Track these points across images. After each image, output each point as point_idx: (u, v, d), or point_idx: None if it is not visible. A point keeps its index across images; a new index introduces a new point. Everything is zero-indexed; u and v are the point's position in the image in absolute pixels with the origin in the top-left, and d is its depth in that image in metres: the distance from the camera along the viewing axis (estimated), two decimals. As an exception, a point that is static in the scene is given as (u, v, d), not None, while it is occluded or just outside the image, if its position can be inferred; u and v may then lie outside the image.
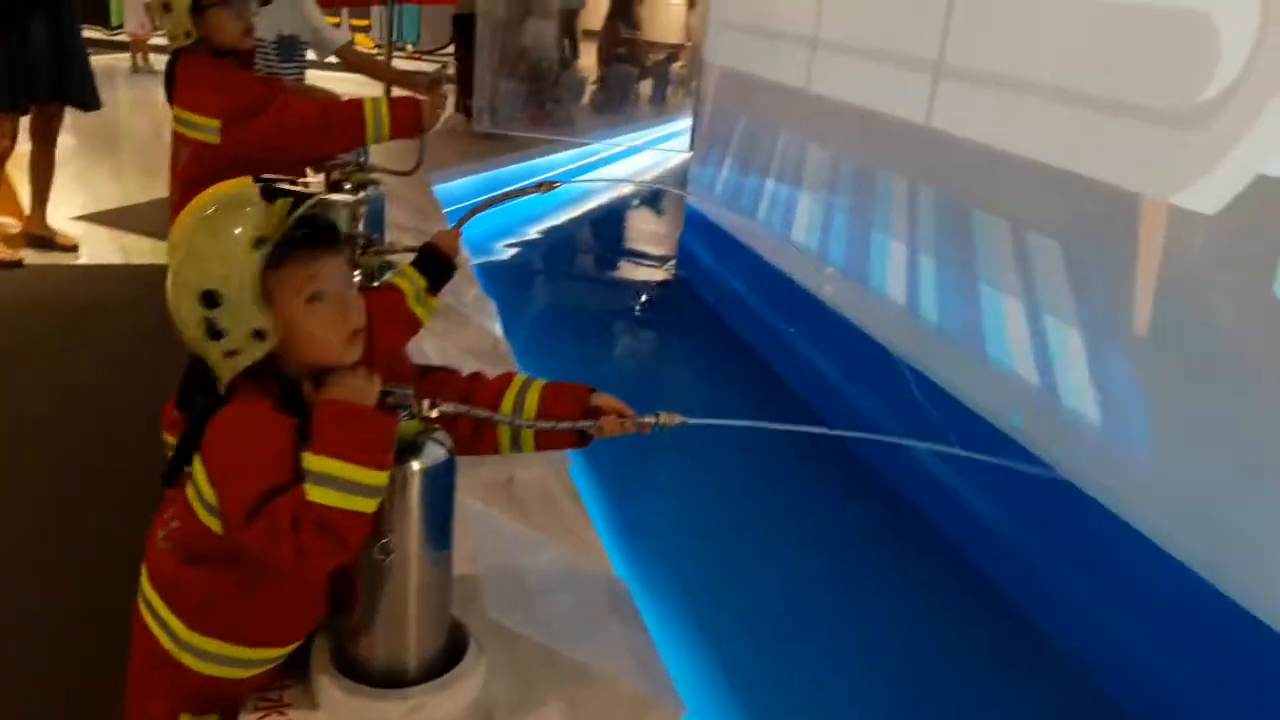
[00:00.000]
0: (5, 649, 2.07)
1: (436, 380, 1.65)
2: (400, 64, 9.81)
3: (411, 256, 2.00)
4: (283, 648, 1.54)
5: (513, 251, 5.44)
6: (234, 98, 2.37)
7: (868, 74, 3.67)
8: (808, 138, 4.22)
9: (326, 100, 2.60)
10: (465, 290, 3.64)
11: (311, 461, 1.31)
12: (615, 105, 8.07)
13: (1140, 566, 2.35)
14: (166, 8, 2.40)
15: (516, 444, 1.63)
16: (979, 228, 3.00)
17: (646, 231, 6.52)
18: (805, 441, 3.50)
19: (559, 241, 5.80)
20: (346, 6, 11.17)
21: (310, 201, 1.35)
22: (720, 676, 2.33)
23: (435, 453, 1.49)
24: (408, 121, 2.42)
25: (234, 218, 1.33)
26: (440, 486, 1.52)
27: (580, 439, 1.61)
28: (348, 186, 2.84)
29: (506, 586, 1.87)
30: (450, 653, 1.63)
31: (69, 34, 4.33)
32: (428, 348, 2.73)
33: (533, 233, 5.70)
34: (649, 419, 1.57)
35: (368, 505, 1.34)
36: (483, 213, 2.17)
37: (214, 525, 1.39)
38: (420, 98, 2.44)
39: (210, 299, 1.31)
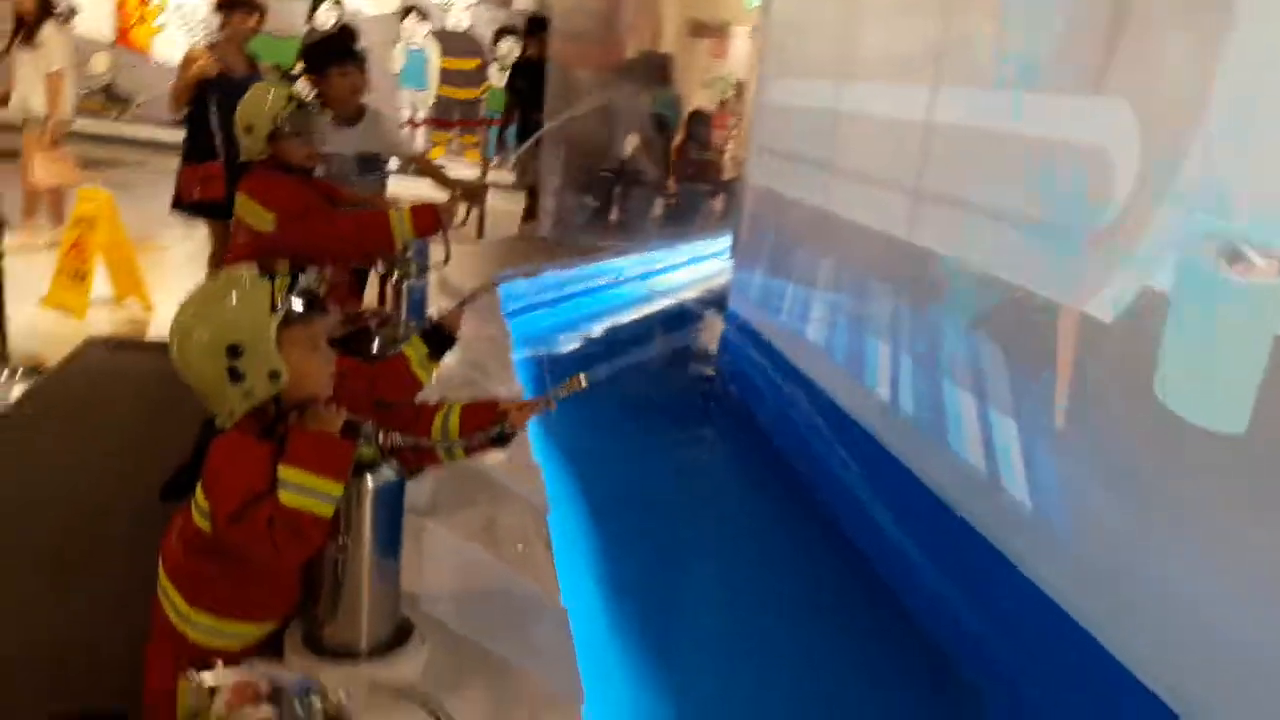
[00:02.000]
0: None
1: (391, 413, 2.05)
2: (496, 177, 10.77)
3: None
4: (262, 624, 1.93)
5: (570, 346, 5.89)
6: (290, 204, 2.91)
7: (863, 195, 4.07)
8: (818, 249, 4.63)
9: (361, 214, 3.12)
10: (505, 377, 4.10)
11: (285, 471, 1.72)
12: (685, 219, 8.64)
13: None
14: (249, 130, 2.98)
15: (450, 454, 2.02)
16: (944, 329, 3.32)
17: (699, 331, 6.94)
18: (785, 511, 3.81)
19: (613, 338, 6.22)
20: (458, 127, 12.27)
21: (306, 279, 1.80)
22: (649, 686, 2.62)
23: (386, 474, 1.90)
24: (426, 224, 2.94)
25: (246, 290, 1.76)
26: (389, 500, 1.92)
27: (501, 441, 1.97)
28: (395, 277, 3.38)
29: (464, 599, 2.24)
30: (398, 640, 2.01)
31: None
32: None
33: (593, 329, 6.16)
34: (550, 395, 1.95)
35: (326, 509, 1.73)
36: (478, 299, 2.62)
37: (205, 526, 1.78)
38: (436, 204, 2.95)
39: (235, 350, 1.73)
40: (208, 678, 1.33)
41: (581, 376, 1.99)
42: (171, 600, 1.87)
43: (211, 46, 5.25)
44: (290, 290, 1.78)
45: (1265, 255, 2.05)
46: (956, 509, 3.16)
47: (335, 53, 3.89)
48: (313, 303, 1.83)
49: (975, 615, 3.02)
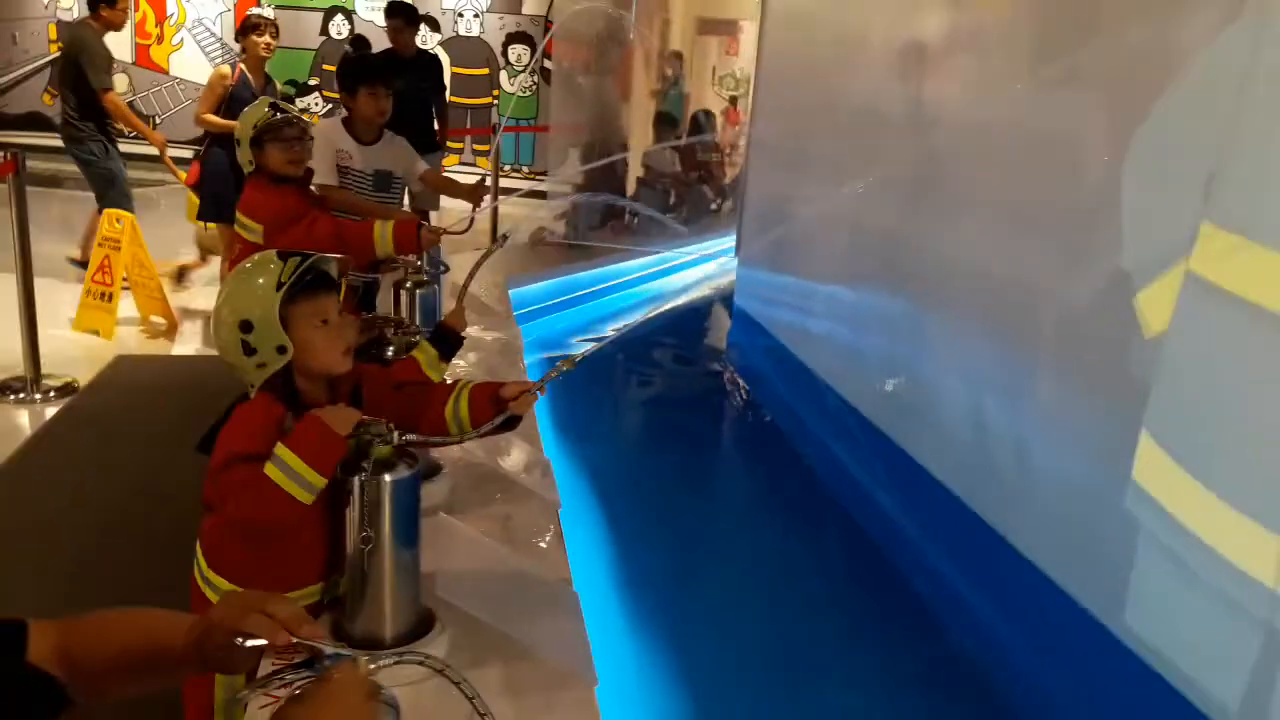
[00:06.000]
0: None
1: (407, 394, 2.18)
2: (508, 183, 10.93)
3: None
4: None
5: (581, 346, 6.00)
6: (275, 213, 3.14)
7: (848, 192, 4.20)
8: (803, 244, 4.77)
9: (344, 224, 3.31)
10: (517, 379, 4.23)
11: (280, 449, 1.86)
12: (692, 220, 8.79)
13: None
14: (238, 142, 3.21)
15: (459, 424, 2.14)
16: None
17: (703, 327, 7.09)
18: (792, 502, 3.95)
19: (624, 337, 6.31)
20: (469, 135, 12.46)
21: (311, 259, 1.94)
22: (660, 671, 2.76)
23: (402, 470, 2.04)
24: (407, 240, 3.15)
25: (260, 270, 1.92)
26: (406, 496, 2.05)
27: (508, 424, 2.09)
28: (409, 285, 3.52)
29: (482, 589, 2.37)
30: (421, 630, 2.15)
31: None
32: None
33: (604, 330, 6.29)
34: (547, 377, 2.07)
35: (302, 495, 1.86)
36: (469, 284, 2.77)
37: None
38: (421, 223, 3.15)
39: (246, 326, 1.89)
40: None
41: (573, 356, 2.12)
42: (199, 564, 2.04)
43: (234, 66, 5.59)
44: (297, 269, 1.91)
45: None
46: (953, 490, 3.27)
47: (367, 74, 4.09)
48: (319, 280, 1.96)
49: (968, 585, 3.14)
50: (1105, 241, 2.50)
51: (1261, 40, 2.07)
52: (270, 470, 1.84)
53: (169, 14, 12.59)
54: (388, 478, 2.01)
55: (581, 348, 2.15)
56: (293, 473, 1.84)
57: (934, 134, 3.66)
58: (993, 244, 3.19)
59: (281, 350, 1.90)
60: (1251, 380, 2.09)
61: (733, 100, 12.20)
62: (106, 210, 5.98)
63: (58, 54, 12.86)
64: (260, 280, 1.91)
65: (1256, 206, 2.08)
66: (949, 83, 3.62)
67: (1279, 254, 1.98)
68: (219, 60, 6.53)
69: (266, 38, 5.54)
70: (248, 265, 1.98)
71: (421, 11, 12.63)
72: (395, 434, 2.01)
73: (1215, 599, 2.14)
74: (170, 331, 5.88)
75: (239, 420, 1.92)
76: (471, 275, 2.75)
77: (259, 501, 1.84)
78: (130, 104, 12.85)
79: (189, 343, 5.69)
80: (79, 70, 5.98)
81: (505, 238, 2.86)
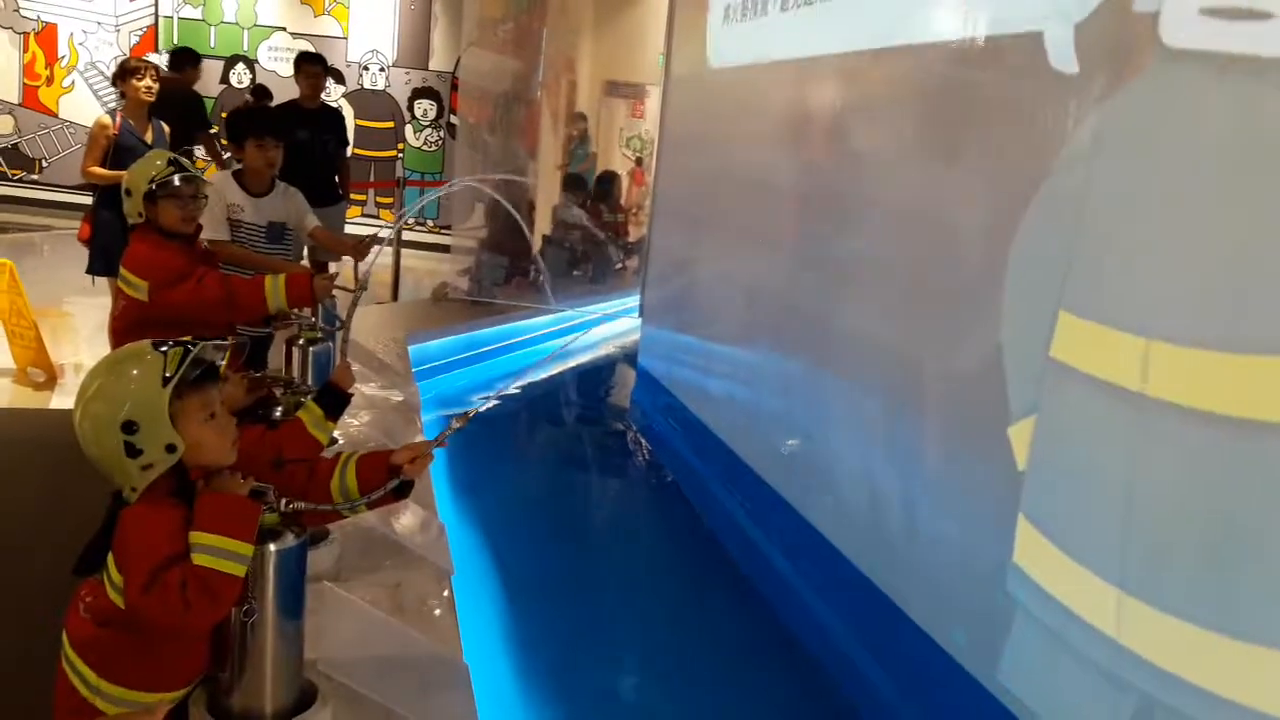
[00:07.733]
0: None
1: (285, 473, 2.09)
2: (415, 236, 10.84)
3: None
4: (172, 692, 1.97)
5: (484, 404, 5.98)
6: (162, 270, 3.04)
7: (746, 256, 4.32)
8: (703, 305, 4.86)
9: (234, 280, 3.25)
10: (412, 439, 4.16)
11: (197, 536, 1.77)
12: (598, 278, 8.87)
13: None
14: (128, 192, 3.12)
15: (353, 510, 2.07)
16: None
17: (608, 385, 7.14)
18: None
19: (527, 395, 6.34)
20: (373, 188, 12.34)
21: (195, 350, 1.85)
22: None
23: (288, 539, 1.99)
24: (300, 293, 3.11)
25: (136, 363, 1.82)
26: (291, 566, 2.00)
27: (401, 493, 2.05)
28: (301, 341, 3.45)
29: (366, 662, 2.31)
30: (302, 704, 2.08)
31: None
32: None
33: (507, 387, 6.26)
34: (441, 437, 2.04)
35: (239, 569, 1.79)
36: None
37: (118, 600, 1.81)
38: (311, 273, 3.13)
39: (130, 426, 1.77)
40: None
41: (468, 413, 2.10)
42: (80, 673, 1.88)
43: (114, 113, 5.42)
44: (183, 362, 1.81)
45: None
46: (839, 547, 3.33)
47: (254, 126, 4.03)
48: (206, 372, 1.88)
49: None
50: (987, 317, 2.61)
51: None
52: (200, 559, 1.74)
53: (60, 56, 12.22)
54: (272, 547, 1.96)
55: (479, 404, 2.14)
56: (222, 552, 1.76)
57: (825, 203, 3.80)
58: (882, 312, 3.30)
59: (171, 449, 1.79)
60: (1109, 454, 2.19)
61: (639, 161, 12.41)
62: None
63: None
64: (138, 374, 1.80)
65: (1102, 293, 2.21)
66: (840, 155, 3.76)
67: (1125, 335, 2.10)
68: (113, 105, 6.31)
69: (147, 81, 5.36)
70: (119, 358, 1.87)
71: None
72: (282, 501, 1.97)
73: (1087, 664, 2.22)
74: (49, 384, 5.62)
75: (138, 532, 1.78)
76: (347, 326, 2.67)
77: (209, 596, 1.73)
78: (15, 146, 12.43)
79: (70, 396, 5.44)
80: None
81: (363, 286, 2.83)
